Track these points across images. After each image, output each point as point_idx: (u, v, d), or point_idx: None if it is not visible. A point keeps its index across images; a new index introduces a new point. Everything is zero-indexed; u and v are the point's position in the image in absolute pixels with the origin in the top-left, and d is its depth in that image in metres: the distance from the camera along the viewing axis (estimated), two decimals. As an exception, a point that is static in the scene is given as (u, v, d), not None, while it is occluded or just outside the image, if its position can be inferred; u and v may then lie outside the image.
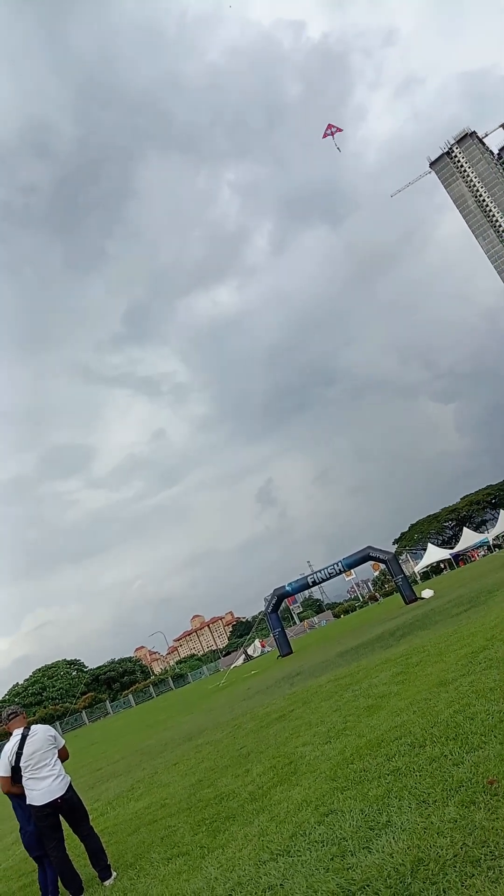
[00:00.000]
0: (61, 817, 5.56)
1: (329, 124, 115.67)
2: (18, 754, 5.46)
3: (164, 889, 4.81)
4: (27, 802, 5.45)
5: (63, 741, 5.93)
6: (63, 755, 5.85)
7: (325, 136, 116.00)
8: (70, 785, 5.65)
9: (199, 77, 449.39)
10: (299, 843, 4.48)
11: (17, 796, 5.68)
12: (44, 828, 5.40)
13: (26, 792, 5.44)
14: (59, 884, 5.60)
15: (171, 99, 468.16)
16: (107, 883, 5.55)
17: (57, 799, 5.44)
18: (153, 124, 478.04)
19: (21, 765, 5.44)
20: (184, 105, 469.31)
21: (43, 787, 5.42)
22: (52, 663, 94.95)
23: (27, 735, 5.57)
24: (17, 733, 5.61)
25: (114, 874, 5.66)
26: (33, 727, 5.71)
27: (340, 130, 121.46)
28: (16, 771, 5.46)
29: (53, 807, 5.42)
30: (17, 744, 5.51)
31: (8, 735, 5.80)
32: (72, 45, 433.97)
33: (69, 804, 5.56)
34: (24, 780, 5.45)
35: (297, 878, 3.90)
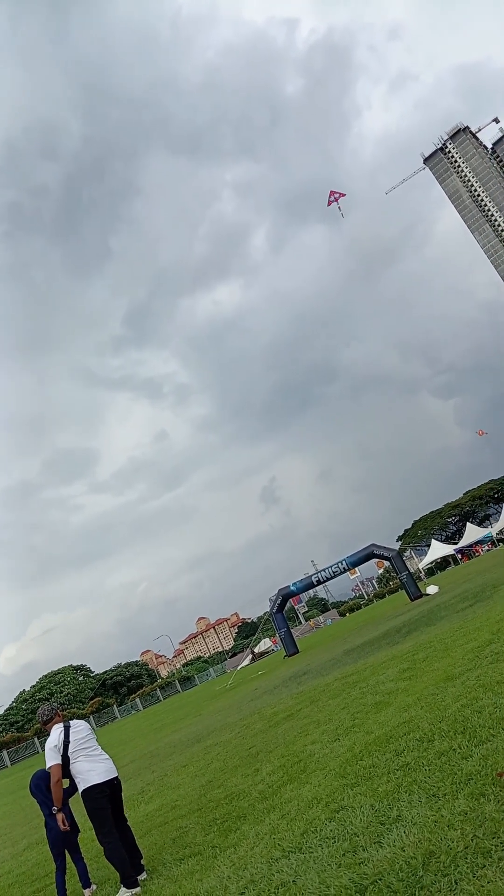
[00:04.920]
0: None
1: (332, 191, 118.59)
2: (66, 743, 5.52)
3: (178, 889, 4.82)
4: (83, 786, 5.41)
5: None
6: None
7: (329, 203, 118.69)
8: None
9: (195, 76, 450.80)
10: (310, 839, 4.50)
11: (49, 794, 5.74)
12: (100, 809, 5.35)
13: (82, 775, 5.44)
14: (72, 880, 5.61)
15: (168, 99, 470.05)
16: (139, 878, 5.53)
17: (114, 778, 5.56)
18: (152, 125, 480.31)
19: (70, 752, 5.49)
20: (182, 105, 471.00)
21: (100, 767, 5.52)
22: (59, 669, 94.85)
23: (69, 726, 5.68)
24: (58, 727, 5.68)
25: (145, 874, 5.58)
26: (73, 721, 5.82)
27: (343, 195, 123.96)
28: (65, 759, 5.49)
29: (111, 786, 5.49)
30: (63, 733, 5.58)
31: (46, 733, 5.81)
32: (73, 49, 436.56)
33: (119, 788, 5.66)
34: (77, 763, 5.47)
35: (309, 874, 3.92)
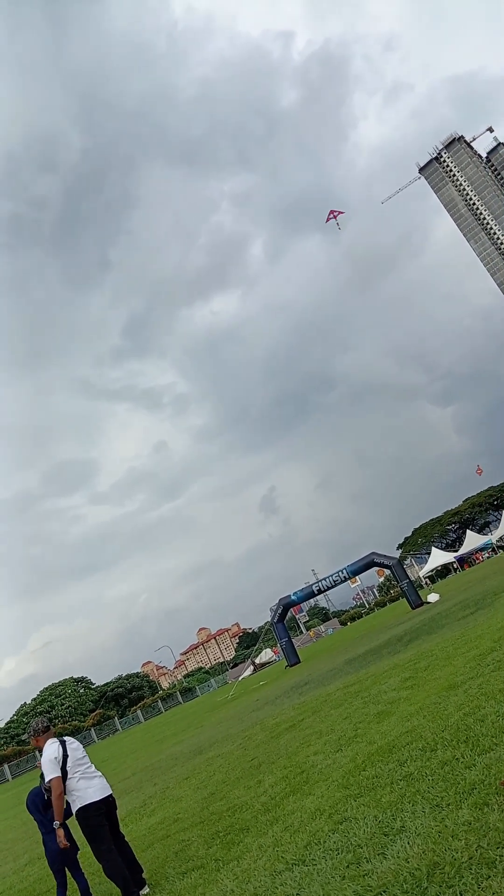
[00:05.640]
0: None
1: (331, 210, 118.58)
2: (65, 756, 5.46)
3: (181, 903, 4.79)
4: (80, 805, 5.36)
5: None
6: None
7: (328, 220, 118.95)
8: None
9: (191, 88, 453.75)
10: (314, 851, 4.48)
11: (46, 812, 5.69)
12: (97, 827, 5.32)
13: (79, 792, 5.38)
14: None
15: (165, 111, 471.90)
16: (141, 893, 5.49)
17: (109, 796, 5.53)
18: (149, 136, 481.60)
19: (68, 767, 5.42)
20: (179, 116, 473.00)
21: (96, 784, 5.49)
22: (60, 682, 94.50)
23: (65, 741, 5.63)
24: (53, 741, 5.60)
25: (147, 889, 5.55)
26: (66, 738, 5.77)
27: (342, 213, 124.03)
28: (63, 773, 5.42)
29: (107, 804, 5.48)
30: (61, 747, 5.51)
31: (38, 749, 5.79)
32: (71, 61, 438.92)
33: (114, 805, 5.64)
34: (72, 780, 5.41)
35: (313, 886, 3.89)
